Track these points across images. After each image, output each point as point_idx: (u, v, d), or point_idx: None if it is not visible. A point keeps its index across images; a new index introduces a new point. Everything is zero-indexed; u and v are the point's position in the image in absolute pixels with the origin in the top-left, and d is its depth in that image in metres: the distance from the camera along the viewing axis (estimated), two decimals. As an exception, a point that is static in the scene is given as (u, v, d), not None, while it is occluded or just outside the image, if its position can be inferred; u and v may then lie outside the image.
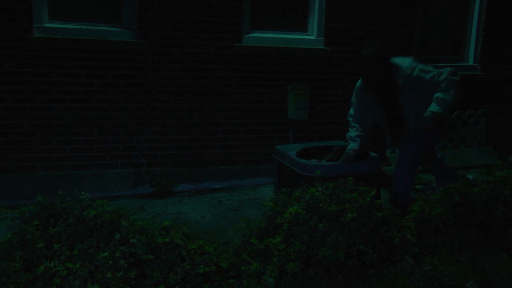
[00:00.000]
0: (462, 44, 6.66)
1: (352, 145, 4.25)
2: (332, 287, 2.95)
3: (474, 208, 3.43)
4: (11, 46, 4.80)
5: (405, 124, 4.23)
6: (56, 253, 2.66)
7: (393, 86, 4.06)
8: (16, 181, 4.97)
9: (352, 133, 4.32)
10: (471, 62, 6.64)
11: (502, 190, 3.51)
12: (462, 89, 4.08)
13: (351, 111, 4.38)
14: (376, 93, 4.14)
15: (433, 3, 6.46)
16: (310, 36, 5.84)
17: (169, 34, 5.24)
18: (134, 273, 2.63)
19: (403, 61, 4.04)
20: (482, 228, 3.40)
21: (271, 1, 5.72)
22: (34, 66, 4.90)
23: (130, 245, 2.74)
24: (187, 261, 2.84)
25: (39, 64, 4.91)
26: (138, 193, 5.31)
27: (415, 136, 4.22)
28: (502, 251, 3.40)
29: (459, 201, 3.45)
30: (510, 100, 6.90)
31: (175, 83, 5.33)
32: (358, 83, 4.31)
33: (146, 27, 5.16)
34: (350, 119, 4.38)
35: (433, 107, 3.98)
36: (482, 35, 6.56)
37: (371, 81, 4.10)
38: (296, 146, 4.76)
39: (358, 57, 4.02)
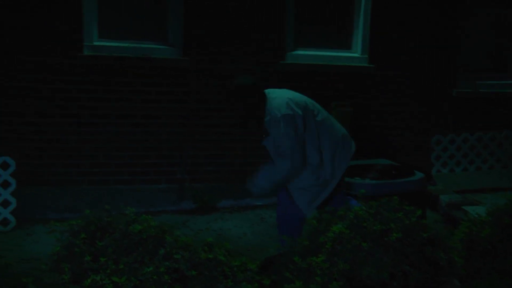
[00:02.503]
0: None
1: None
2: (376, 308, 2.90)
3: (524, 231, 3.32)
4: (62, 64, 4.96)
5: None
6: (102, 267, 2.69)
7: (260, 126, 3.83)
8: (63, 195, 5.09)
9: None
10: None
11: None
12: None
13: None
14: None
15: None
16: (354, 53, 5.82)
17: (212, 51, 5.31)
18: (177, 289, 2.65)
19: (278, 102, 3.69)
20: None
21: (315, 18, 5.74)
22: (81, 83, 5.04)
23: (174, 261, 2.75)
24: (229, 278, 2.84)
25: (86, 81, 5.05)
26: (180, 209, 5.36)
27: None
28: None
29: (509, 223, 3.34)
30: None
31: (216, 99, 5.38)
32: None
33: (190, 45, 5.24)
34: None
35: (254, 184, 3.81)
36: None
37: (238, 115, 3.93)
38: (339, 164, 4.72)
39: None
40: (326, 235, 3.03)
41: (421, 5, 5.87)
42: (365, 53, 5.77)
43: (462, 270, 3.19)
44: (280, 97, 3.72)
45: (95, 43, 5.07)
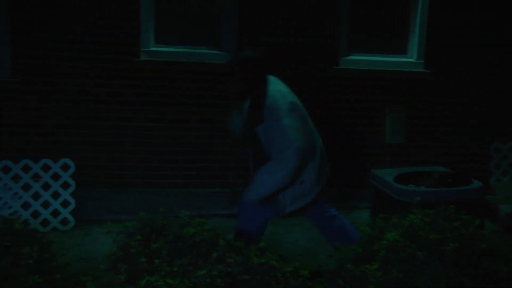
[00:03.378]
0: None
1: None
2: (430, 319, 2.83)
3: None
4: (119, 69, 5.09)
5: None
6: (157, 268, 2.75)
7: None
8: (119, 197, 5.22)
9: None
10: None
11: None
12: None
13: None
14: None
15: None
16: (410, 58, 5.72)
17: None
18: (230, 292, 2.67)
19: (280, 89, 3.51)
20: None
21: (370, 23, 5.68)
22: (137, 87, 5.16)
23: (227, 264, 2.77)
24: (282, 283, 2.83)
25: (142, 85, 5.17)
26: (232, 213, 5.37)
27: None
28: None
29: None
30: None
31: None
32: None
33: (243, 50, 5.27)
34: None
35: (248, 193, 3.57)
36: None
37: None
38: (393, 171, 4.65)
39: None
40: (380, 242, 2.98)
41: (477, 9, 5.71)
42: (421, 58, 5.66)
43: (523, 283, 3.08)
44: (281, 85, 3.58)
45: (152, 48, 5.19)
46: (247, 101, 3.66)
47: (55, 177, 4.91)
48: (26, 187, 4.86)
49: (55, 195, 4.92)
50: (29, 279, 2.70)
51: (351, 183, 5.61)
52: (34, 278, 2.71)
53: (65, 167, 4.92)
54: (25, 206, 4.86)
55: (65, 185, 4.94)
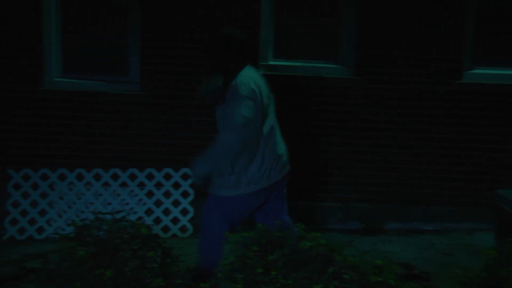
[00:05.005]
0: None
1: None
2: None
3: None
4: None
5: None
6: (272, 280, 2.78)
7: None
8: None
9: None
10: None
11: None
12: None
13: None
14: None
15: None
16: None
17: (383, 72, 5.23)
18: (345, 309, 2.63)
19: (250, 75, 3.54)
20: None
21: (496, 36, 5.38)
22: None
23: (343, 281, 2.74)
24: (399, 304, 2.75)
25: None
26: (345, 228, 5.33)
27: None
28: None
29: None
30: None
31: (386, 119, 5.29)
32: None
33: (362, 64, 5.23)
34: None
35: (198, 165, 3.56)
36: None
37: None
38: (521, 192, 4.34)
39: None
40: (510, 269, 2.80)
41: None
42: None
43: None
44: (255, 74, 3.64)
45: (270, 62, 5.29)
46: (219, 79, 3.65)
47: (176, 186, 5.15)
48: (150, 194, 5.14)
49: (175, 203, 5.16)
50: (153, 282, 2.85)
51: (470, 203, 5.33)
52: (158, 281, 2.85)
53: (185, 177, 5.15)
54: (148, 212, 5.14)
55: (185, 194, 5.16)
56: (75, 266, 2.92)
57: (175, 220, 5.16)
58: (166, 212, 5.16)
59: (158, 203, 5.15)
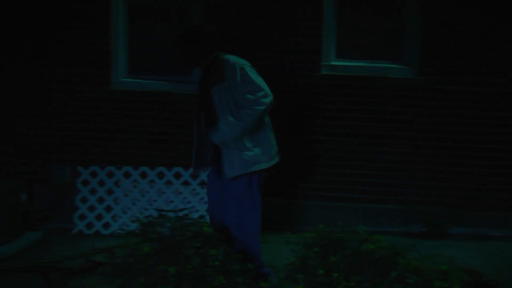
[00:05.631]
0: None
1: None
2: None
3: None
4: (298, 83, 5.23)
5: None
6: (333, 282, 2.77)
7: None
8: (295, 208, 5.34)
9: None
10: None
11: None
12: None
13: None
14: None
15: None
16: None
17: (449, 72, 5.09)
18: (408, 314, 2.58)
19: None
20: None
21: None
22: (316, 101, 5.24)
23: (406, 285, 2.70)
24: (465, 311, 2.68)
25: (321, 100, 5.25)
26: (407, 232, 5.21)
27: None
28: None
29: None
30: None
31: (451, 121, 5.14)
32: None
33: (427, 65, 5.11)
34: None
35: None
36: None
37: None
38: None
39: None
40: None
41: None
42: None
43: None
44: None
45: (332, 63, 5.25)
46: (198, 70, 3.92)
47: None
48: (211, 193, 5.21)
49: (237, 202, 5.20)
50: (214, 279, 2.89)
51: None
52: (219, 279, 2.89)
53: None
54: (210, 210, 5.21)
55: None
56: (140, 261, 3.01)
57: (236, 219, 5.20)
58: (228, 211, 5.21)
59: (219, 202, 5.22)
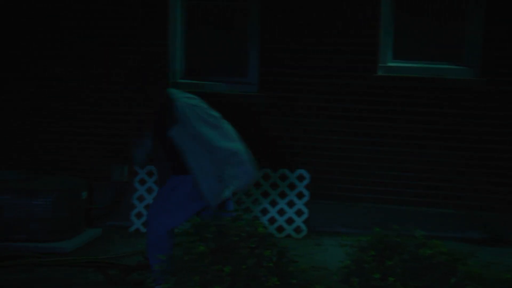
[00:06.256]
0: None
1: None
2: None
3: None
4: (354, 84, 5.18)
5: None
6: (390, 286, 2.71)
7: None
8: (349, 210, 5.29)
9: None
10: None
11: None
12: None
13: None
14: None
15: None
16: None
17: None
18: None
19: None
20: None
21: None
22: (371, 102, 5.18)
23: (466, 292, 2.62)
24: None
25: (375, 101, 5.18)
26: (466, 237, 5.06)
27: None
28: None
29: None
30: None
31: (506, 123, 4.97)
32: None
33: (490, 65, 4.96)
34: None
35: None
36: None
37: None
38: None
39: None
40: None
41: None
42: None
43: None
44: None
45: (389, 64, 5.18)
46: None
47: (291, 187, 5.20)
48: (265, 194, 5.23)
49: (290, 204, 5.20)
50: (268, 280, 2.89)
51: None
52: (273, 280, 2.89)
53: (300, 178, 5.18)
54: (263, 211, 5.23)
55: (300, 195, 5.18)
56: (195, 260, 3.04)
57: (289, 221, 5.21)
58: (281, 212, 5.22)
59: (273, 203, 5.23)
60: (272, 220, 5.22)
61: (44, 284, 4.07)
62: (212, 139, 3.54)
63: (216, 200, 3.60)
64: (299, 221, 5.18)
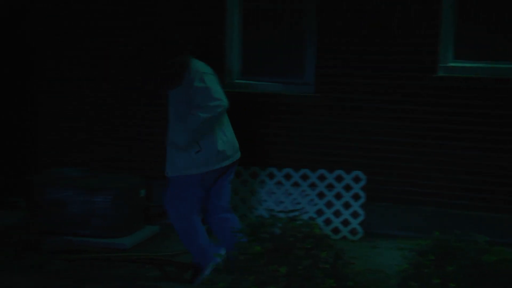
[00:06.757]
0: None
1: None
2: None
3: None
4: (412, 85, 5.07)
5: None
6: (453, 293, 2.65)
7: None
8: (405, 213, 5.18)
9: None
10: None
11: None
12: None
13: None
14: None
15: None
16: None
17: None
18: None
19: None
20: None
21: None
22: (429, 104, 5.05)
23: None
24: None
25: (435, 102, 5.04)
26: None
27: None
28: None
29: None
30: None
31: None
32: None
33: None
34: None
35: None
36: None
37: None
38: None
39: None
40: None
41: None
42: None
43: None
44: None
45: (450, 64, 5.04)
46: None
47: (347, 188, 5.15)
48: (321, 195, 5.20)
49: (346, 206, 5.15)
50: (324, 282, 2.88)
51: None
52: (329, 282, 2.88)
53: (356, 179, 5.12)
54: (319, 212, 5.20)
55: (356, 197, 5.13)
56: (251, 260, 3.06)
57: (345, 222, 5.16)
58: (337, 213, 5.18)
59: (329, 205, 5.19)
60: (327, 222, 5.18)
61: (107, 278, 4.22)
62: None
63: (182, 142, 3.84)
64: (355, 223, 5.12)
